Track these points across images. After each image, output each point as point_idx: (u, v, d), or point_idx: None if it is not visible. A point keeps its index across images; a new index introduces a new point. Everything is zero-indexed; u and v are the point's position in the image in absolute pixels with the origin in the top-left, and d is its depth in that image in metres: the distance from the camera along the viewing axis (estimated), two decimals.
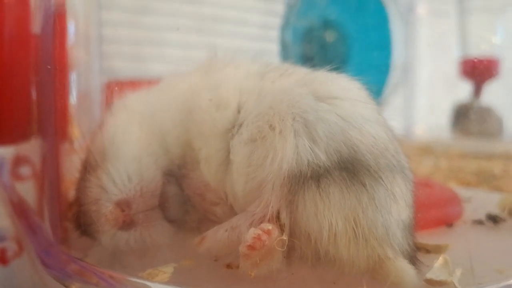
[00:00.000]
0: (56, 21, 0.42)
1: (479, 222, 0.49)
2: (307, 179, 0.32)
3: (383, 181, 0.33)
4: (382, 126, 0.35)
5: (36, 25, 0.52)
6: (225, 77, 0.39)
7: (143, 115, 0.40)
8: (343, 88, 0.37)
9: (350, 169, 0.32)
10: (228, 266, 0.34)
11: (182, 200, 0.38)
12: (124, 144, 0.38)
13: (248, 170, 0.35)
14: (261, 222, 0.32)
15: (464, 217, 0.50)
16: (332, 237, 0.31)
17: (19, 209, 0.52)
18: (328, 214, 0.31)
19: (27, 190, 0.59)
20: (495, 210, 0.51)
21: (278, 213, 0.32)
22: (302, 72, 0.40)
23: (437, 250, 0.38)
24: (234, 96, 0.38)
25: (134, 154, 0.37)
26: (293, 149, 0.33)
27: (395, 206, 0.33)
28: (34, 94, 0.54)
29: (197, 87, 0.39)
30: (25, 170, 0.65)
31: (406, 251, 0.33)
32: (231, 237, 0.33)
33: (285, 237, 0.31)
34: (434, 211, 0.48)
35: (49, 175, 0.38)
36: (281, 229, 0.32)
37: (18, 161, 0.66)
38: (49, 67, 0.40)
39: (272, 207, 0.32)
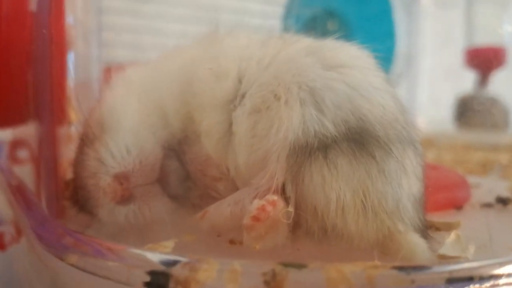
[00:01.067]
0: None
1: (489, 205, 0.48)
2: (314, 150, 0.31)
3: (393, 152, 0.31)
4: (391, 96, 0.34)
5: (32, 2, 0.51)
6: (225, 47, 0.38)
7: (142, 88, 0.38)
8: (352, 56, 0.36)
9: (358, 139, 0.31)
10: (231, 241, 0.33)
11: (183, 176, 0.37)
12: (123, 116, 0.36)
13: (251, 142, 0.34)
14: (266, 195, 0.31)
15: (473, 201, 0.49)
16: (340, 210, 0.30)
17: (17, 192, 0.51)
18: (336, 186, 0.30)
19: (25, 173, 0.58)
20: (504, 194, 0.50)
21: (284, 185, 0.31)
22: (307, 40, 0.38)
23: (448, 227, 0.37)
24: (233, 64, 0.37)
25: (132, 126, 0.36)
26: (299, 118, 0.31)
27: (405, 179, 0.32)
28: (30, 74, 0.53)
29: (196, 58, 0.38)
30: (23, 153, 0.64)
31: (417, 226, 0.32)
32: (234, 211, 0.32)
33: (290, 209, 0.30)
34: (443, 193, 0.47)
35: (45, 154, 0.37)
36: (287, 202, 0.31)
37: (16, 144, 0.64)
38: (44, 44, 0.38)
39: (277, 179, 0.31)
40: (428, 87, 1.17)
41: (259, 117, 0.34)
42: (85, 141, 0.36)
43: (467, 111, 1.03)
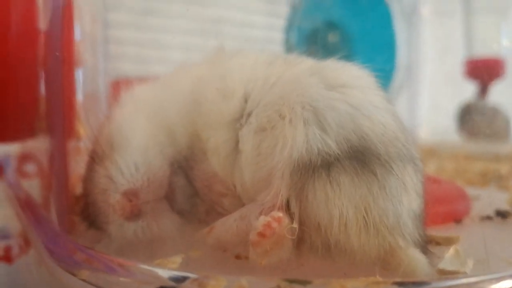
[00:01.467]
0: (64, 17, 0.42)
1: (488, 218, 0.49)
2: (317, 167, 0.32)
3: (393, 170, 0.32)
4: (392, 115, 0.35)
5: (42, 21, 0.52)
6: (232, 67, 0.39)
7: (150, 106, 0.39)
8: (353, 76, 0.37)
9: (360, 158, 0.32)
10: (237, 256, 0.34)
11: (190, 192, 0.38)
12: (131, 135, 0.38)
13: (257, 159, 0.35)
14: (271, 211, 0.31)
15: (472, 214, 0.50)
16: (342, 226, 0.31)
17: (25, 205, 0.52)
18: (339, 203, 0.31)
19: (32, 188, 0.59)
20: (503, 207, 0.51)
21: (288, 202, 0.32)
22: (310, 61, 0.39)
23: (448, 242, 0.38)
24: (240, 84, 0.38)
25: (141, 144, 0.37)
26: (303, 137, 0.32)
27: (406, 196, 0.33)
28: (41, 91, 0.54)
29: (204, 77, 0.39)
30: (30, 168, 0.65)
31: (417, 241, 0.33)
32: (240, 227, 0.33)
33: (295, 225, 0.31)
34: (442, 207, 0.47)
35: (57, 170, 0.38)
36: (291, 218, 0.32)
37: (24, 158, 0.66)
38: (56, 62, 0.40)
39: (281, 196, 0.32)
40: (429, 97, 1.18)
41: (265, 136, 0.35)
42: (95, 158, 0.38)
43: (469, 120, 1.04)
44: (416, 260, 0.31)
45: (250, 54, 0.41)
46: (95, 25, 0.67)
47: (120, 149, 0.37)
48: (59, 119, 0.40)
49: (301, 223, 0.31)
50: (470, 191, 0.55)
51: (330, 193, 0.31)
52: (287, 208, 0.32)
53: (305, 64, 0.39)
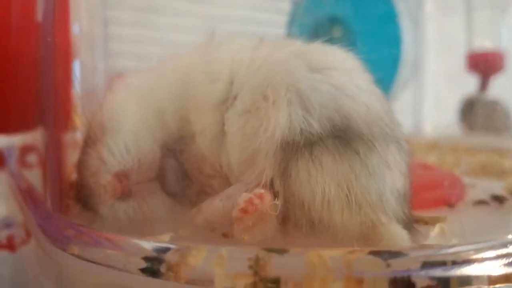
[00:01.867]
0: (57, 5, 0.43)
1: (482, 202, 0.49)
2: (300, 147, 0.32)
3: (376, 148, 0.33)
4: (376, 96, 0.36)
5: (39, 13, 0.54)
6: (219, 51, 0.40)
7: (141, 91, 0.41)
8: (337, 59, 0.37)
9: (343, 137, 0.33)
10: (225, 235, 0.35)
11: (180, 174, 0.39)
12: (122, 118, 0.39)
13: (242, 140, 0.36)
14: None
15: (466, 199, 0.50)
16: (325, 203, 0.32)
17: (28, 195, 0.53)
18: (321, 180, 0.32)
19: (35, 178, 0.60)
20: (499, 192, 0.51)
21: (272, 181, 0.33)
22: (296, 44, 0.40)
23: (435, 221, 0.38)
24: (225, 68, 0.39)
25: (131, 127, 0.38)
26: (286, 117, 0.33)
27: (389, 174, 0.33)
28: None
29: (192, 63, 0.40)
30: (32, 158, 0.66)
31: (401, 219, 0.33)
32: (226, 206, 0.34)
33: (277, 202, 0.32)
34: (434, 191, 0.48)
35: (50, 156, 0.39)
36: (275, 196, 0.32)
37: (26, 149, 0.67)
38: (48, 50, 0.41)
39: (266, 175, 0.33)
40: (433, 92, 1.18)
41: (249, 117, 0.36)
42: (88, 142, 0.39)
43: (470, 113, 1.04)
44: (398, 235, 0.32)
45: (238, 39, 0.42)
46: (94, 22, 0.68)
47: (111, 132, 0.38)
48: (51, 109, 0.41)
49: (285, 201, 0.32)
50: (467, 180, 0.56)
51: (313, 171, 0.32)
52: (271, 187, 0.33)
53: (291, 47, 0.39)
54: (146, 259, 0.27)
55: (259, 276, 0.25)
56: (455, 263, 0.26)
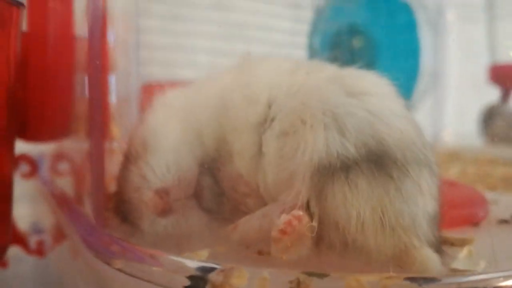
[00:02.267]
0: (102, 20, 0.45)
1: (505, 222, 0.50)
2: (337, 170, 0.34)
3: (409, 173, 0.34)
4: (409, 121, 0.37)
5: (79, 28, 0.56)
6: (257, 74, 0.42)
7: (181, 111, 0.42)
8: (372, 84, 0.39)
9: (377, 161, 0.34)
10: (259, 252, 0.36)
11: (217, 191, 0.40)
12: (164, 137, 0.40)
13: (279, 162, 0.37)
14: (292, 211, 0.34)
15: (490, 218, 0.51)
16: (360, 226, 0.33)
17: (61, 201, 0.55)
18: (356, 204, 0.33)
19: (65, 186, 0.62)
20: None
21: (308, 202, 0.34)
22: (332, 69, 0.42)
23: (462, 243, 0.39)
24: (264, 91, 0.40)
25: (172, 146, 0.40)
26: (323, 141, 0.34)
27: (421, 198, 0.34)
28: (76, 94, 0.57)
29: (231, 84, 0.42)
30: (63, 166, 0.68)
31: (431, 242, 0.34)
32: (262, 225, 0.35)
33: (314, 224, 0.33)
34: (460, 210, 0.49)
35: (94, 168, 0.41)
36: (311, 217, 0.34)
37: (57, 157, 0.69)
38: (96, 70, 0.42)
39: (302, 196, 0.34)
40: (454, 102, 1.18)
41: (287, 140, 0.37)
42: (130, 158, 0.41)
43: (490, 124, 1.05)
44: (429, 259, 0.33)
45: (274, 62, 0.43)
46: (128, 31, 0.70)
47: (153, 150, 0.40)
48: (97, 121, 0.42)
49: (320, 222, 0.33)
50: (489, 195, 0.56)
51: (348, 194, 0.33)
52: (307, 207, 0.34)
53: (326, 72, 0.41)
54: (191, 278, 0.29)
55: None
56: None
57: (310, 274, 0.27)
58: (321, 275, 0.27)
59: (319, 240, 0.34)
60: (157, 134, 0.41)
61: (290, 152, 0.36)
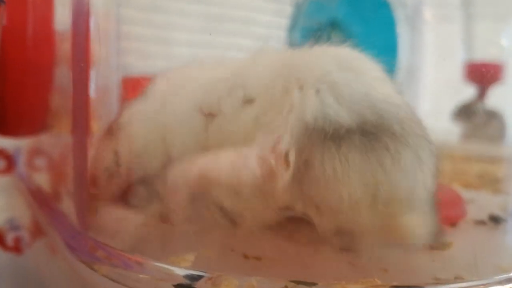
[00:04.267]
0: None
1: (482, 223, 0.51)
2: (327, 139, 0.32)
3: (409, 143, 0.32)
4: (405, 103, 0.36)
5: (59, 23, 0.54)
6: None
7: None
8: (368, 66, 0.37)
9: (373, 132, 0.32)
10: (245, 256, 0.36)
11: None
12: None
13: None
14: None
15: (467, 218, 0.52)
16: (352, 207, 0.31)
17: (38, 197, 0.54)
18: (347, 181, 0.31)
19: (42, 181, 0.61)
20: (497, 211, 0.53)
21: (287, 154, 0.32)
22: (323, 46, 0.39)
23: (441, 247, 0.40)
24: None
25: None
26: (316, 103, 0.33)
27: (420, 172, 0.33)
28: (55, 89, 0.56)
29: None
30: (40, 161, 0.67)
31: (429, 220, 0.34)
32: (235, 163, 0.34)
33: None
34: (438, 210, 0.49)
35: (77, 168, 0.40)
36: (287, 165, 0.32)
37: (34, 152, 0.68)
38: (82, 64, 0.41)
39: (284, 143, 0.32)
40: (430, 99, 1.19)
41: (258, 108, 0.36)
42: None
43: (464, 121, 1.06)
44: (418, 226, 0.32)
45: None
46: (109, 21, 0.69)
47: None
48: (81, 120, 0.41)
49: (307, 204, 0.32)
50: (466, 194, 0.57)
51: (339, 169, 0.31)
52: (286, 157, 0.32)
53: (318, 48, 0.39)
54: (178, 286, 0.29)
55: None
56: None
57: (298, 282, 0.28)
58: (309, 284, 0.28)
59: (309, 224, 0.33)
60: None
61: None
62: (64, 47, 0.55)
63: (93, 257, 0.33)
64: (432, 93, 1.19)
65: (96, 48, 0.55)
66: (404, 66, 1.03)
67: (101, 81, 0.59)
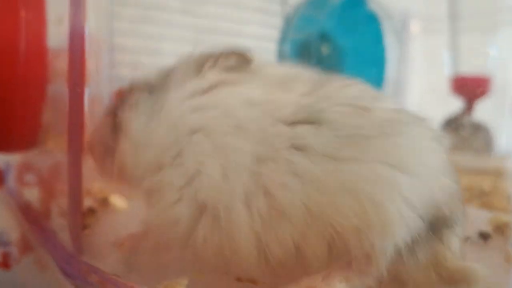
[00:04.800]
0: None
1: (470, 240, 0.51)
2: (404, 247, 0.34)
3: (454, 228, 0.37)
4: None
5: (52, 39, 0.54)
6: None
7: None
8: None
9: (434, 225, 0.35)
10: (238, 279, 0.36)
11: None
12: None
13: None
14: None
15: None
16: None
17: (28, 214, 0.53)
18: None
19: (32, 197, 0.60)
20: (485, 228, 0.54)
21: None
22: None
23: None
24: None
25: None
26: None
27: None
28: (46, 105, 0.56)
29: None
30: (30, 177, 0.67)
31: None
32: None
33: None
34: None
35: (72, 186, 0.40)
36: None
37: (24, 168, 0.67)
38: (78, 92, 0.41)
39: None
40: (416, 111, 1.21)
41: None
42: None
43: (453, 133, 1.08)
44: None
45: None
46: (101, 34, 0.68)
47: None
48: (77, 135, 0.41)
49: None
50: None
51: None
52: None
53: None
54: None
55: None
56: None
57: None
58: None
59: None
60: None
61: None
62: (57, 64, 0.55)
63: (87, 283, 0.33)
64: (418, 104, 1.20)
65: (90, 62, 0.55)
66: (392, 78, 1.04)
67: (94, 93, 0.58)
